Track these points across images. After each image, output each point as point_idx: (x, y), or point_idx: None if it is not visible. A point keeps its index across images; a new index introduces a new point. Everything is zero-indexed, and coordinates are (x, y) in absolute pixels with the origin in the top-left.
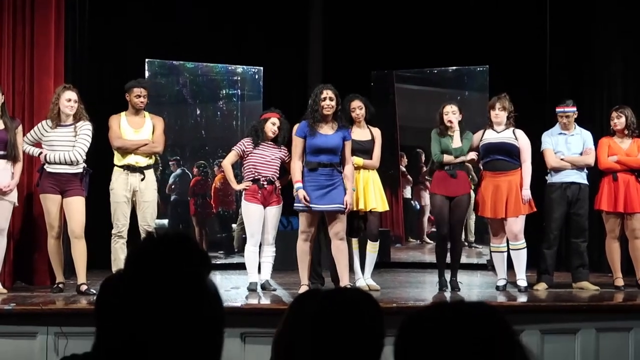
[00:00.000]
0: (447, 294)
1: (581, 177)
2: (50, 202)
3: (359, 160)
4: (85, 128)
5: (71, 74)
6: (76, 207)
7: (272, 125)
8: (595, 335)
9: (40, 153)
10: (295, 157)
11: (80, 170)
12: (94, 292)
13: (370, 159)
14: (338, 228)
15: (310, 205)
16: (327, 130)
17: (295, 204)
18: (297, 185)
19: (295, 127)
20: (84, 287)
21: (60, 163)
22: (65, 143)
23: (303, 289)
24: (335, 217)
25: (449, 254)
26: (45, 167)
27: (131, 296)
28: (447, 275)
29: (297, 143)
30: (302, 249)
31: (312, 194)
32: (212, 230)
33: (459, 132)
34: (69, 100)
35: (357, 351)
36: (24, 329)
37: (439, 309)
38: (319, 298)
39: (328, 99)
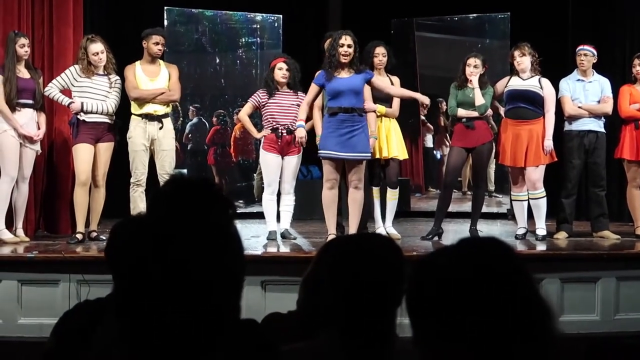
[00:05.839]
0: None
1: (598, 125)
2: (86, 152)
3: (382, 108)
4: (119, 82)
5: (90, 23)
6: (106, 154)
7: (279, 71)
8: (615, 283)
9: (72, 102)
10: (305, 100)
11: (112, 121)
12: (104, 238)
13: (391, 107)
14: (357, 176)
15: (329, 152)
16: (345, 74)
17: (318, 152)
18: (299, 123)
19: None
20: (94, 234)
21: (97, 112)
22: (101, 91)
23: (331, 238)
24: (355, 166)
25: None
26: (80, 117)
27: (155, 238)
28: (465, 225)
29: (312, 89)
30: (327, 196)
31: (331, 140)
32: (232, 179)
33: (479, 89)
34: (96, 54)
35: (380, 295)
36: (46, 277)
37: (447, 250)
38: (344, 243)
39: (346, 46)
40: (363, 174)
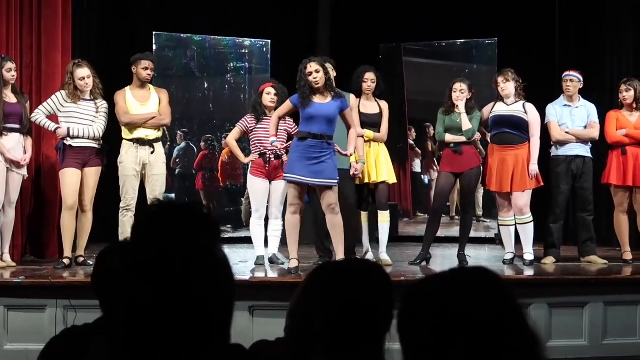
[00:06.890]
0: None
1: (585, 151)
2: (73, 176)
3: (370, 134)
4: (105, 107)
5: (79, 47)
6: (93, 178)
7: (267, 96)
8: (603, 309)
9: (58, 128)
10: (275, 113)
11: (100, 145)
12: (91, 263)
13: (379, 132)
14: (330, 200)
15: (295, 177)
16: (321, 99)
17: (284, 175)
18: (272, 139)
19: None
20: (81, 259)
21: (84, 137)
22: (87, 116)
23: (293, 263)
24: (324, 192)
25: (456, 230)
26: (66, 142)
27: (140, 264)
28: (453, 250)
29: (286, 105)
30: (290, 221)
31: (297, 164)
32: (221, 204)
33: (465, 114)
34: (82, 78)
35: (368, 321)
36: (33, 302)
37: (438, 278)
38: (331, 269)
39: (314, 72)
40: (337, 198)
